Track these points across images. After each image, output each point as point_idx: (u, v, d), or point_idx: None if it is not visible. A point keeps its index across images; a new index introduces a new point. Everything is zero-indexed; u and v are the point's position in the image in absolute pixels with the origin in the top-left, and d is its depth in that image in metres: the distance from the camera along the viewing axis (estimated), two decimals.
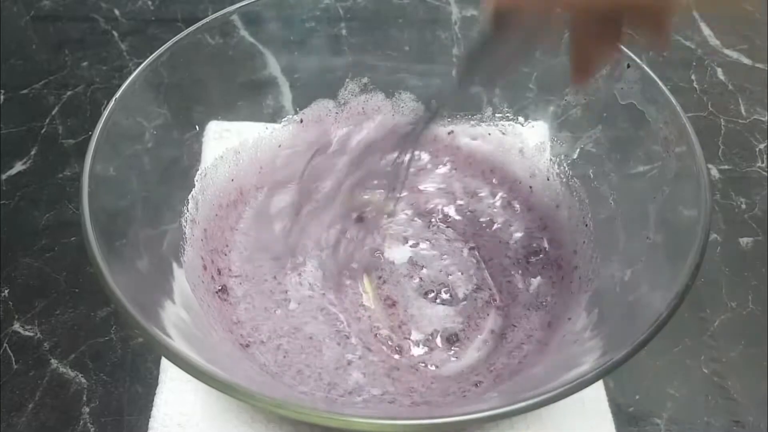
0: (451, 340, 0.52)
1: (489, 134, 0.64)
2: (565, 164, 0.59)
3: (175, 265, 0.49)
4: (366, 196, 0.58)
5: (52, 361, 0.54)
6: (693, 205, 0.43)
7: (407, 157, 0.53)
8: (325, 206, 0.57)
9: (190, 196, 0.54)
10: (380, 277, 0.55)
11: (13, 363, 0.54)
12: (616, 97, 0.52)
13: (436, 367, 0.50)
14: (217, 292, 0.53)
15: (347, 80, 0.63)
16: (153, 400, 0.50)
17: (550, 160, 0.60)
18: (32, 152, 0.69)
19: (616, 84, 0.52)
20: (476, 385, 0.48)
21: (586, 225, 0.55)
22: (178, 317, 0.43)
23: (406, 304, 0.54)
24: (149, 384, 0.52)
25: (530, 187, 0.61)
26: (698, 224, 0.41)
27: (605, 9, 0.35)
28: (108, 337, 0.55)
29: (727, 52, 0.83)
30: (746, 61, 0.82)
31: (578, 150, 0.58)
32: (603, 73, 0.52)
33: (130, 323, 0.37)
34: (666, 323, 0.37)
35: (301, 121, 0.62)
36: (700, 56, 0.83)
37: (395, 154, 0.53)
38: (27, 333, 0.56)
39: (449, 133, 0.64)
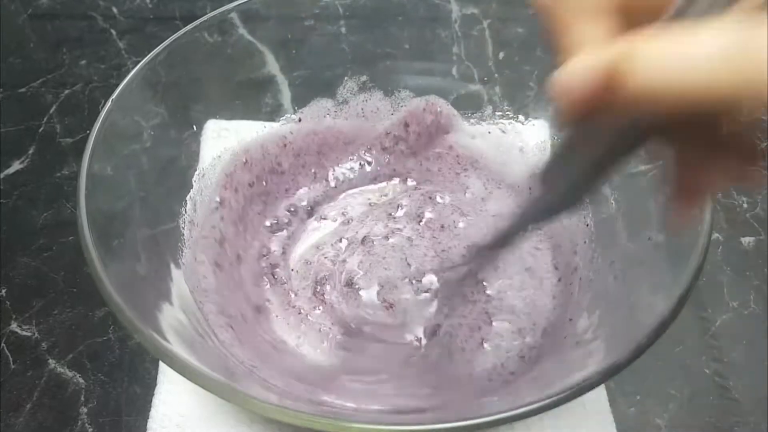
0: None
1: (489, 132, 0.63)
2: None
3: (173, 267, 0.49)
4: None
5: (50, 361, 0.54)
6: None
7: None
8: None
9: (188, 197, 0.54)
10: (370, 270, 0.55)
11: (11, 363, 0.54)
12: None
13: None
14: None
15: (346, 78, 0.62)
16: (151, 400, 0.50)
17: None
18: (30, 151, 0.69)
19: None
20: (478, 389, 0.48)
21: (587, 225, 0.55)
22: (177, 320, 0.43)
23: (404, 306, 0.53)
24: (147, 384, 0.52)
25: (530, 187, 0.60)
26: (701, 224, 0.41)
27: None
28: (106, 337, 0.55)
29: None
30: None
31: None
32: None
33: (126, 326, 0.37)
34: (669, 324, 0.37)
35: (300, 120, 0.61)
36: None
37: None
38: (25, 333, 0.55)
39: (446, 134, 0.64)
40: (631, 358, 0.36)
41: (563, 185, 0.33)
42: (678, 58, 0.23)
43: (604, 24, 0.28)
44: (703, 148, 0.30)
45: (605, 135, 0.29)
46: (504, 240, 0.41)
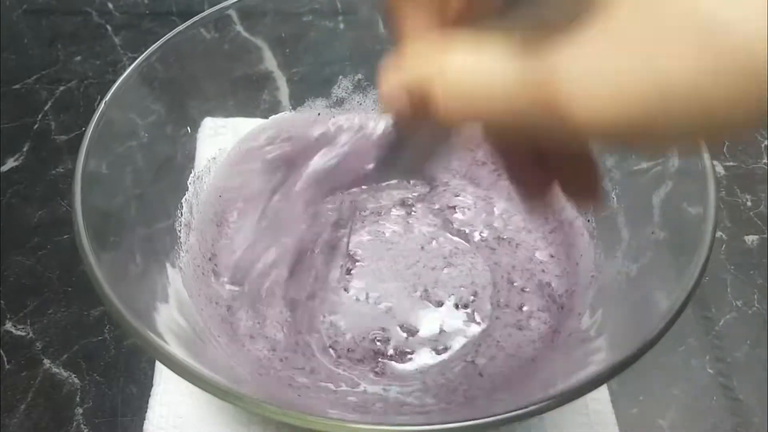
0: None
1: None
2: None
3: (170, 268, 0.49)
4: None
5: (45, 361, 0.53)
6: (699, 201, 0.42)
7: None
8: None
9: (183, 200, 0.54)
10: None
11: (5, 363, 0.53)
12: None
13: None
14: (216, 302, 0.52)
15: (341, 77, 0.62)
16: (148, 401, 0.49)
17: None
18: (24, 148, 0.69)
19: None
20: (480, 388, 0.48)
21: (588, 221, 0.54)
22: (176, 323, 0.42)
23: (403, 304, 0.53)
24: (144, 384, 0.51)
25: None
26: (706, 220, 0.40)
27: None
28: (102, 336, 0.55)
29: None
30: None
31: None
32: None
33: (122, 325, 0.36)
34: (676, 320, 0.37)
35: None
36: None
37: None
38: (19, 332, 0.55)
39: None
40: (639, 354, 0.35)
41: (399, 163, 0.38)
42: (481, 82, 0.24)
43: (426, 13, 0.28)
44: (530, 161, 0.33)
45: (429, 129, 0.32)
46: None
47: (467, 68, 0.24)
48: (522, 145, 0.32)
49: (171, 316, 0.43)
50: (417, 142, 0.34)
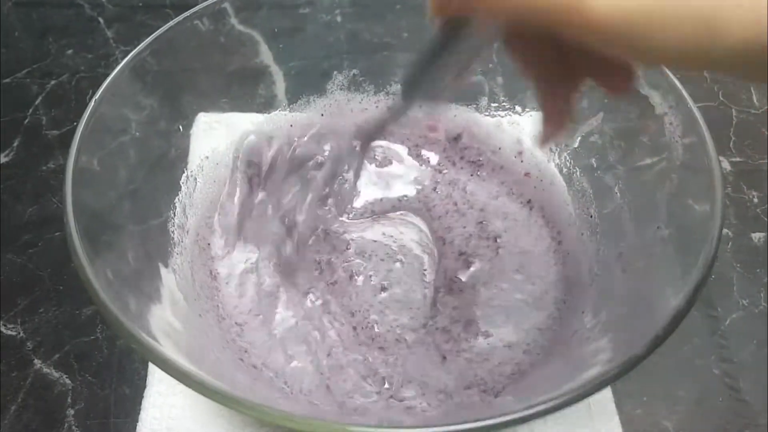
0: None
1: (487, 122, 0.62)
2: (565, 154, 0.58)
3: (163, 269, 0.48)
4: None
5: (36, 361, 0.53)
6: (705, 198, 0.42)
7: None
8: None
9: (176, 200, 0.53)
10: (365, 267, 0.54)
11: None
12: None
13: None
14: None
15: (335, 73, 0.61)
16: (141, 402, 0.49)
17: (550, 150, 0.59)
18: (15, 144, 0.68)
19: None
20: (485, 391, 0.47)
21: (591, 216, 0.54)
22: (169, 325, 0.42)
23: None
24: (137, 386, 0.51)
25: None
26: (712, 217, 0.40)
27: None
28: (93, 336, 0.54)
29: None
30: None
31: (579, 138, 0.56)
32: None
33: (114, 327, 0.36)
34: (683, 318, 0.36)
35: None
36: None
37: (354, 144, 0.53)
38: (9, 332, 0.54)
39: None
40: (647, 352, 0.35)
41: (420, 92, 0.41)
42: None
43: None
44: (556, 69, 0.36)
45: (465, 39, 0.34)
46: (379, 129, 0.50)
47: None
48: (546, 47, 0.35)
49: (164, 317, 0.42)
50: (451, 57, 0.36)
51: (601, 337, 0.44)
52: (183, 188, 0.54)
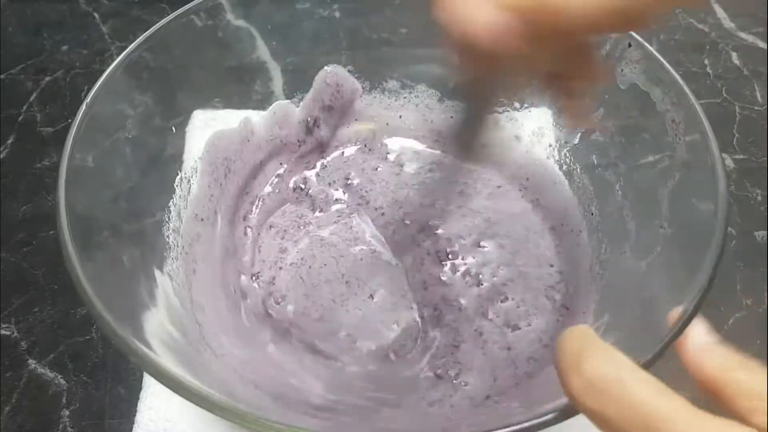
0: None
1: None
2: (565, 150, 0.57)
3: (158, 273, 0.47)
4: None
5: (30, 361, 0.53)
6: (708, 196, 0.41)
7: None
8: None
9: (171, 203, 0.52)
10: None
11: None
12: (617, 78, 0.50)
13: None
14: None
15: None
16: (136, 403, 0.49)
17: (550, 146, 0.59)
18: (9, 141, 0.67)
19: (617, 65, 0.50)
20: (487, 397, 0.47)
21: (592, 214, 0.54)
22: (165, 331, 0.41)
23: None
24: (132, 386, 0.51)
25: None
26: (717, 216, 0.40)
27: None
28: (89, 336, 0.54)
29: (742, 35, 0.82)
30: (762, 44, 0.81)
31: (579, 135, 0.56)
32: (603, 53, 0.50)
33: (107, 333, 0.35)
34: (689, 322, 0.36)
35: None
36: (713, 40, 0.81)
37: None
38: (3, 332, 0.54)
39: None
40: (655, 357, 0.35)
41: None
42: None
43: None
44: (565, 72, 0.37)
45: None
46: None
47: None
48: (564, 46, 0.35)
49: (160, 323, 0.42)
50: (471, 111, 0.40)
51: (605, 339, 0.43)
52: (177, 191, 0.53)
